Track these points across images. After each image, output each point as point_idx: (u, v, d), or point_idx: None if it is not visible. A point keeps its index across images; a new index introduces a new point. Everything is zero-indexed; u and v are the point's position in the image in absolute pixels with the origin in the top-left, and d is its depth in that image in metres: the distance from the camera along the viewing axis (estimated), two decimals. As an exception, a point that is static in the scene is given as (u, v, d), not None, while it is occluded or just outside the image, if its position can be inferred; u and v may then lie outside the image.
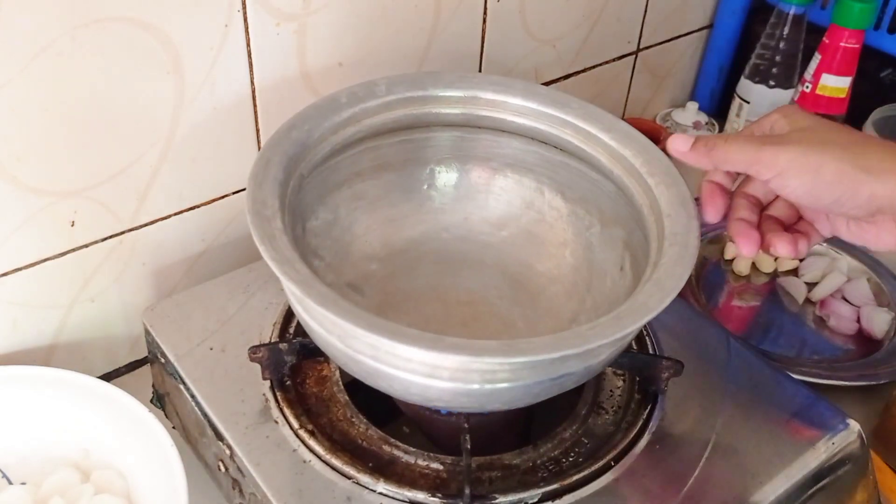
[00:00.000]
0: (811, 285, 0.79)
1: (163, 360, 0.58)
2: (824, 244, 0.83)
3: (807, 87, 0.85)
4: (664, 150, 0.51)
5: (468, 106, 0.59)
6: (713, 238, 0.84)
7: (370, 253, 0.60)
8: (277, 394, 0.54)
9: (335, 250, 0.58)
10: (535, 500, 0.49)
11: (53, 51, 0.52)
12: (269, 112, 0.65)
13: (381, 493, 0.49)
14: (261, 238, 0.45)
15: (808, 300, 0.78)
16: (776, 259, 0.82)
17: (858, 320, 0.76)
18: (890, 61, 0.89)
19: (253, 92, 0.64)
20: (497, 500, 0.49)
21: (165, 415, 0.63)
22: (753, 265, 0.82)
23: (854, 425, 0.56)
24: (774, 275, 0.81)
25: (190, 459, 0.58)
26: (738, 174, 0.49)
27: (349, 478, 0.50)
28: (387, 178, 0.60)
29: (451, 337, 0.42)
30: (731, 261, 0.82)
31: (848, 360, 0.72)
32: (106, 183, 0.60)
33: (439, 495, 0.49)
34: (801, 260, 0.82)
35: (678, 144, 0.48)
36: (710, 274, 0.81)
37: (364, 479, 0.49)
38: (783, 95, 0.90)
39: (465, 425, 0.51)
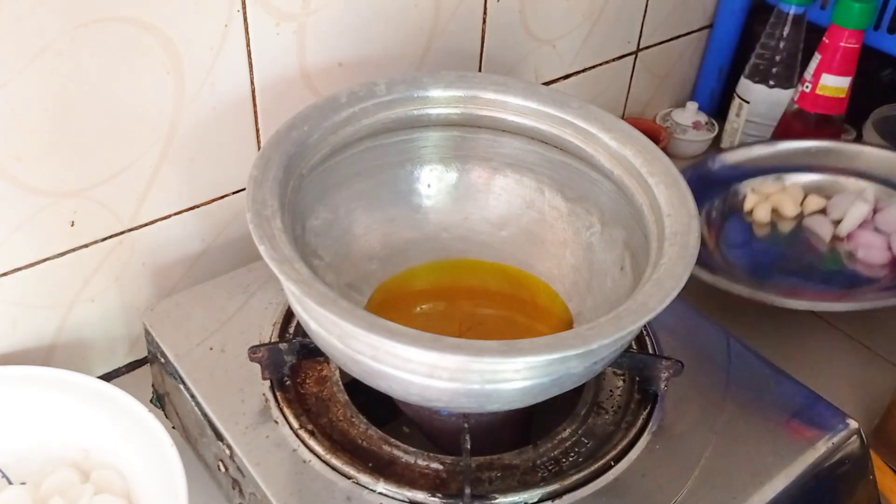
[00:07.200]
0: (839, 223, 0.77)
1: (163, 360, 0.58)
2: (851, 177, 0.81)
3: (807, 86, 0.85)
4: (664, 149, 0.51)
5: (468, 106, 0.59)
6: (732, 192, 0.81)
7: (370, 253, 0.60)
8: (277, 394, 0.54)
9: (335, 250, 0.58)
10: (535, 500, 0.49)
11: (53, 51, 0.52)
12: (269, 112, 0.65)
13: (380, 493, 0.49)
14: (261, 238, 0.45)
15: (835, 237, 0.76)
16: (802, 202, 0.80)
17: (890, 248, 0.73)
18: (890, 61, 0.89)
19: (253, 92, 0.64)
20: (497, 500, 0.49)
21: (165, 415, 0.63)
22: (775, 210, 0.80)
23: (854, 425, 0.56)
24: (799, 218, 0.79)
25: (190, 459, 0.58)
26: None
27: (349, 478, 0.50)
28: (387, 178, 0.60)
29: (451, 337, 0.42)
30: (752, 211, 0.80)
31: (887, 287, 0.70)
32: (106, 183, 0.60)
33: (439, 495, 0.49)
34: (828, 199, 0.80)
35: None
36: (730, 227, 0.78)
37: (364, 479, 0.49)
38: (783, 95, 0.90)
39: (465, 425, 0.51)
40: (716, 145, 1.00)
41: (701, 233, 0.49)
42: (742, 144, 0.90)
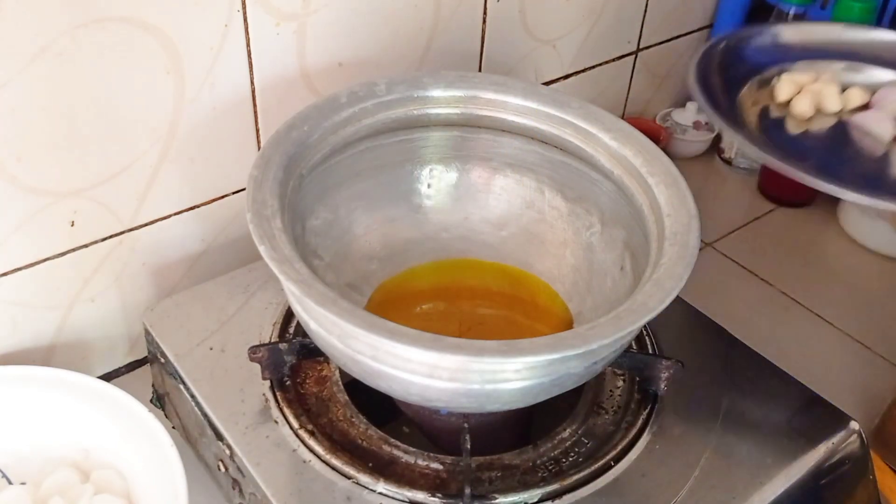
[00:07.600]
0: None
1: (163, 360, 0.58)
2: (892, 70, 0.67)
3: (807, 86, 0.84)
4: (664, 149, 0.51)
5: (468, 106, 0.59)
6: (761, 82, 0.67)
7: (370, 253, 0.60)
8: (277, 394, 0.54)
9: (335, 250, 0.58)
10: (535, 500, 0.49)
11: (53, 51, 0.52)
12: (269, 112, 0.65)
13: (380, 493, 0.49)
14: (261, 238, 0.45)
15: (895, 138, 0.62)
16: (842, 93, 0.66)
17: None
18: (890, 61, 0.89)
19: (253, 92, 0.64)
20: (497, 500, 0.49)
21: (165, 415, 0.63)
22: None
23: (854, 425, 0.56)
24: (839, 114, 0.66)
25: (190, 459, 0.58)
26: None
27: (349, 478, 0.50)
28: (386, 178, 0.60)
29: (451, 337, 0.42)
30: (788, 103, 0.66)
31: None
32: (106, 183, 0.60)
33: (439, 495, 0.49)
34: (872, 92, 0.67)
35: None
36: (769, 125, 0.64)
37: (364, 479, 0.49)
38: (783, 95, 0.90)
39: (465, 425, 0.51)
40: (715, 146, 1.00)
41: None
42: (798, 20, 0.79)
